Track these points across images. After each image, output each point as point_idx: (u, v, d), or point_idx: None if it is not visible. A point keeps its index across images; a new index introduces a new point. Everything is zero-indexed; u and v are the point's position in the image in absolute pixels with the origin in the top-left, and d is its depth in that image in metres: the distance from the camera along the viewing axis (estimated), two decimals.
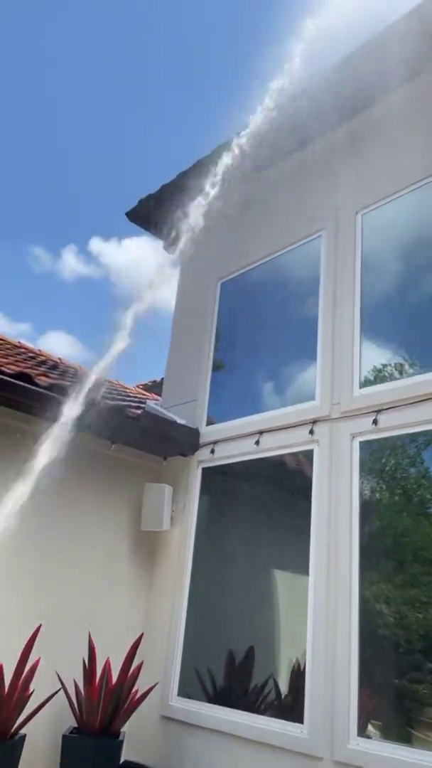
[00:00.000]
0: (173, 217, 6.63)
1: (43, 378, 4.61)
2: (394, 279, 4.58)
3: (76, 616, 4.66)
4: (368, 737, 3.54)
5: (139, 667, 4.37)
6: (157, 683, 4.61)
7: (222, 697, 4.52)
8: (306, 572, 4.14)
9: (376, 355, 4.40)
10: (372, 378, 4.34)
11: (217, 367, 5.79)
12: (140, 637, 4.54)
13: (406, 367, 4.20)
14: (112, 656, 4.28)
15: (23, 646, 3.97)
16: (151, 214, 6.52)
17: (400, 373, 4.22)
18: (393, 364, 4.28)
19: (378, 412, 4.08)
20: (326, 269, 4.91)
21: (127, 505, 5.28)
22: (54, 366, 6.63)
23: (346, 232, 4.86)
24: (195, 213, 6.62)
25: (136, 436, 5.07)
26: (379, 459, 4.16)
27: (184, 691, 4.74)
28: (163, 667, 4.87)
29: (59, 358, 7.99)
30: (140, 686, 4.39)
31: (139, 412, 5.08)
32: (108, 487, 5.18)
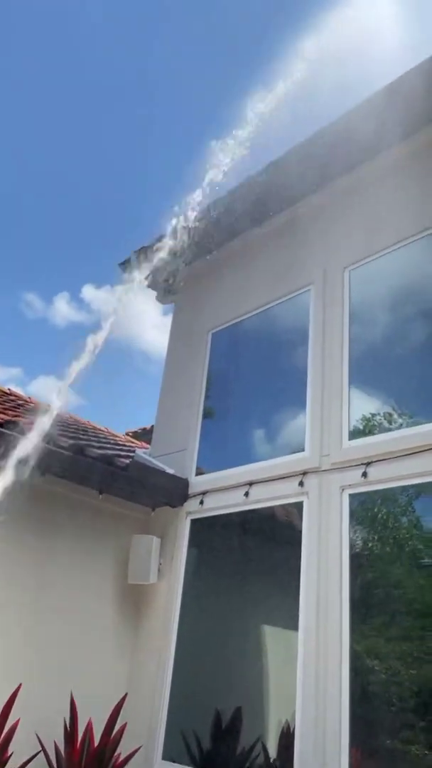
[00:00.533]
0: (165, 270, 6.78)
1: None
2: (382, 330, 4.68)
3: (58, 673, 4.51)
4: None
5: (122, 729, 4.21)
6: (140, 746, 4.44)
7: (208, 761, 4.35)
8: (296, 627, 4.07)
9: (365, 404, 4.45)
10: (362, 427, 4.37)
11: (207, 415, 5.81)
12: (124, 697, 4.40)
13: (395, 416, 4.25)
14: (94, 716, 4.13)
15: (1, 707, 3.83)
16: (142, 266, 6.64)
17: (389, 422, 4.26)
18: (382, 414, 4.33)
19: (367, 464, 4.09)
20: (315, 322, 5.00)
21: (114, 556, 5.19)
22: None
23: (333, 287, 4.98)
24: (186, 266, 6.78)
25: (125, 486, 5.03)
26: (371, 508, 4.15)
27: (170, 755, 4.56)
28: (147, 729, 4.69)
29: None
30: (123, 749, 4.22)
31: (128, 461, 5.05)
32: (94, 538, 5.10)
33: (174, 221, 5.53)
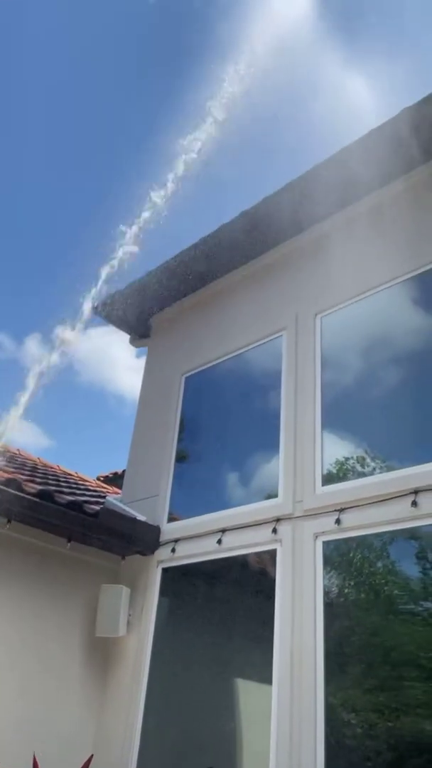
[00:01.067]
0: (139, 314, 6.82)
1: None
2: (354, 375, 4.73)
3: (20, 732, 4.28)
4: None
5: None
6: None
7: None
8: (270, 681, 3.94)
9: (339, 448, 4.45)
10: (335, 471, 4.36)
11: (180, 460, 5.75)
12: (90, 759, 4.16)
13: (368, 460, 4.26)
14: None
15: None
16: (117, 310, 6.66)
17: (363, 466, 4.27)
18: (355, 458, 4.33)
19: (340, 511, 4.06)
20: (287, 367, 5.03)
21: (81, 607, 5.00)
22: (12, 458, 6.46)
23: (305, 333, 5.04)
24: (160, 310, 6.83)
25: (94, 534, 4.89)
26: (346, 553, 4.11)
27: None
28: None
29: (17, 450, 7.81)
30: None
31: (97, 508, 4.93)
32: (61, 588, 4.92)
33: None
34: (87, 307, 4.85)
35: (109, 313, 6.68)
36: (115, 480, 9.32)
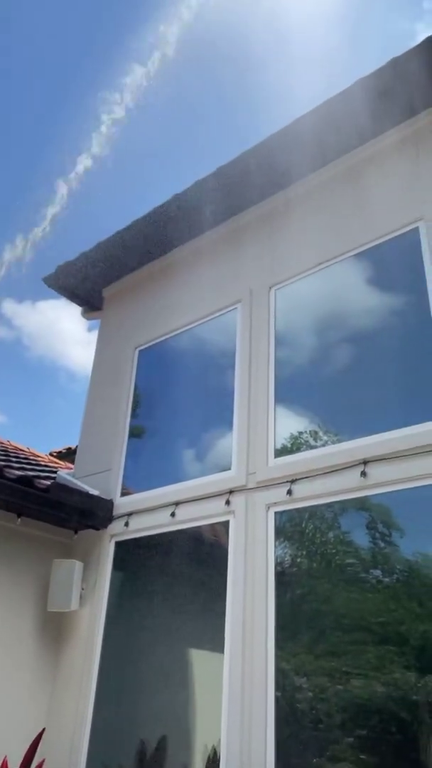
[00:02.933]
0: (91, 285, 6.66)
1: None
2: (308, 351, 4.75)
3: None
4: None
5: (40, 765, 3.97)
6: None
7: None
8: (223, 650, 3.99)
9: (292, 423, 4.48)
10: (289, 445, 4.40)
11: (134, 435, 5.69)
12: (42, 732, 4.16)
13: (321, 434, 4.31)
14: (9, 752, 3.89)
15: None
16: (68, 281, 6.50)
17: (315, 440, 4.31)
18: (308, 432, 4.37)
19: (292, 482, 4.11)
20: (242, 341, 5.02)
21: (33, 583, 4.94)
22: None
23: (260, 306, 5.03)
24: (113, 282, 6.69)
25: (46, 509, 4.82)
26: (299, 524, 4.16)
27: None
28: (67, 764, 4.45)
29: None
30: None
31: (48, 483, 4.85)
32: (11, 564, 4.84)
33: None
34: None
35: (60, 284, 6.51)
36: (69, 455, 9.20)
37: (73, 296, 6.71)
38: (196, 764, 4.04)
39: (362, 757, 3.30)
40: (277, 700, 3.64)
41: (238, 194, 5.44)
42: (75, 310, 6.91)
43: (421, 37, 4.17)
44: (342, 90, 4.58)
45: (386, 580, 3.70)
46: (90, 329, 7.02)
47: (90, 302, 6.80)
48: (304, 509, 4.11)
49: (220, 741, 3.77)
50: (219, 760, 3.73)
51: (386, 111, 4.59)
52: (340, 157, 5.02)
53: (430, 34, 4.16)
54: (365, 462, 3.80)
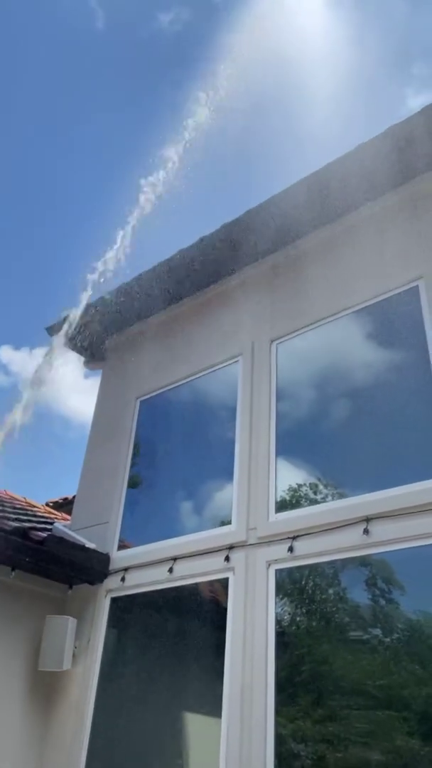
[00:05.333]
0: (95, 336, 6.72)
1: None
2: (308, 404, 4.75)
3: None
4: None
5: None
6: None
7: None
8: (220, 714, 3.83)
9: (292, 475, 4.43)
10: (288, 498, 4.34)
11: (133, 486, 5.62)
12: None
13: (321, 487, 4.27)
14: None
15: None
16: (71, 331, 6.55)
17: (315, 493, 4.27)
18: (308, 484, 4.33)
19: (294, 538, 4.03)
20: (243, 393, 5.03)
21: (25, 639, 4.78)
22: None
23: (261, 360, 5.06)
24: (116, 334, 6.75)
25: (40, 562, 4.71)
26: (298, 581, 4.07)
27: None
28: None
29: None
30: None
31: (44, 535, 4.76)
32: (3, 619, 4.69)
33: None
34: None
35: (64, 335, 6.56)
36: (66, 506, 9.05)
37: (76, 346, 6.76)
38: None
39: None
40: (276, 766, 3.47)
41: (240, 250, 5.56)
42: (71, 356, 6.95)
43: (411, 101, 4.36)
44: (344, 154, 4.72)
45: (387, 640, 3.60)
46: (87, 377, 7.04)
47: (92, 352, 6.85)
48: (305, 566, 4.03)
49: None
50: None
51: (387, 173, 4.72)
52: (342, 216, 5.13)
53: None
54: (368, 519, 3.74)
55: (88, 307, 6.24)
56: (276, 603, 4.00)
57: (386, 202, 4.91)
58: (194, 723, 4.29)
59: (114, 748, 4.48)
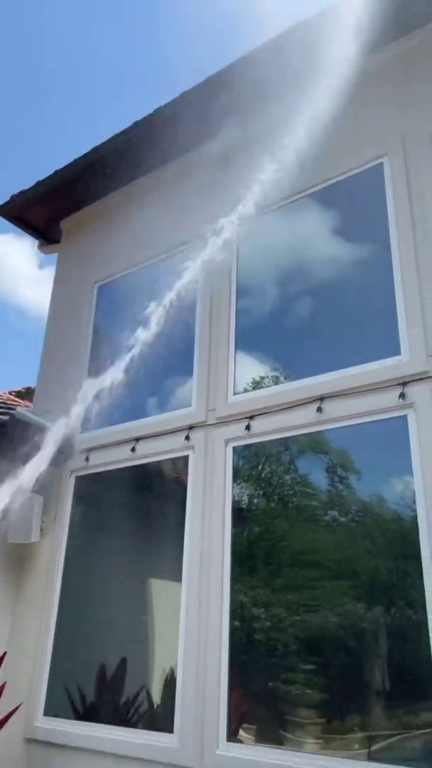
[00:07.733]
0: (49, 217, 6.42)
1: None
2: (270, 290, 4.73)
3: None
4: (239, 742, 3.57)
5: (1, 689, 4.10)
6: (20, 704, 4.35)
7: (92, 713, 4.36)
8: (180, 579, 4.12)
9: (255, 369, 4.51)
10: (251, 389, 4.44)
11: (93, 372, 5.63)
12: (2, 656, 4.27)
13: (282, 378, 4.36)
14: None
15: None
16: (23, 211, 6.24)
17: (276, 384, 4.36)
18: (270, 377, 4.41)
19: (251, 418, 4.16)
20: (204, 277, 4.94)
21: None
22: None
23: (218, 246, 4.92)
24: (72, 214, 6.44)
25: (4, 444, 4.78)
26: (255, 466, 4.25)
27: (52, 711, 4.51)
28: (28, 686, 4.61)
29: None
30: (3, 708, 4.12)
31: (6, 418, 4.80)
32: None
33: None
34: None
35: (15, 214, 6.25)
36: (28, 395, 9.08)
37: (29, 228, 6.45)
38: (154, 684, 4.24)
39: (315, 680, 3.51)
40: (235, 629, 3.79)
41: (198, 125, 5.22)
42: (25, 245, 6.70)
43: None
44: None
45: (343, 519, 3.86)
46: (42, 266, 6.80)
47: (47, 235, 6.56)
48: (263, 448, 4.19)
49: (177, 663, 3.93)
50: (176, 681, 3.90)
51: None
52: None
53: None
54: (321, 398, 3.86)
55: (41, 183, 5.91)
56: (236, 487, 4.18)
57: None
58: (156, 587, 4.63)
59: (83, 610, 4.82)
